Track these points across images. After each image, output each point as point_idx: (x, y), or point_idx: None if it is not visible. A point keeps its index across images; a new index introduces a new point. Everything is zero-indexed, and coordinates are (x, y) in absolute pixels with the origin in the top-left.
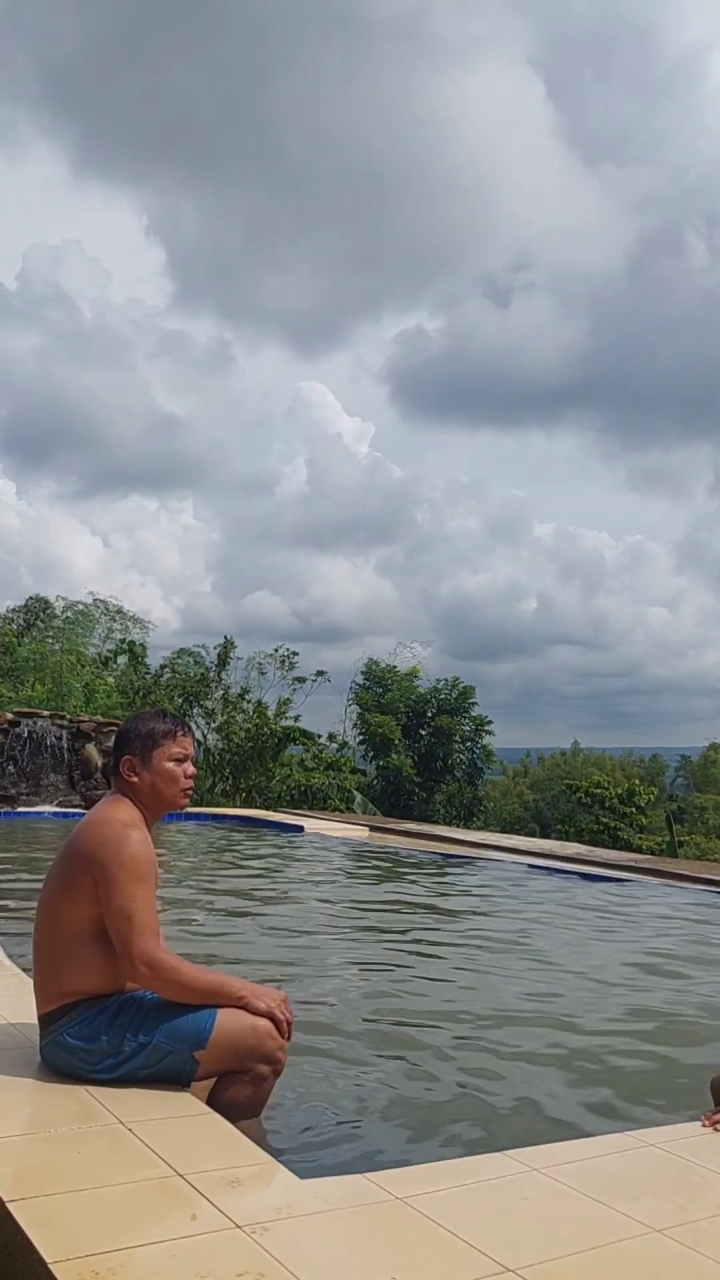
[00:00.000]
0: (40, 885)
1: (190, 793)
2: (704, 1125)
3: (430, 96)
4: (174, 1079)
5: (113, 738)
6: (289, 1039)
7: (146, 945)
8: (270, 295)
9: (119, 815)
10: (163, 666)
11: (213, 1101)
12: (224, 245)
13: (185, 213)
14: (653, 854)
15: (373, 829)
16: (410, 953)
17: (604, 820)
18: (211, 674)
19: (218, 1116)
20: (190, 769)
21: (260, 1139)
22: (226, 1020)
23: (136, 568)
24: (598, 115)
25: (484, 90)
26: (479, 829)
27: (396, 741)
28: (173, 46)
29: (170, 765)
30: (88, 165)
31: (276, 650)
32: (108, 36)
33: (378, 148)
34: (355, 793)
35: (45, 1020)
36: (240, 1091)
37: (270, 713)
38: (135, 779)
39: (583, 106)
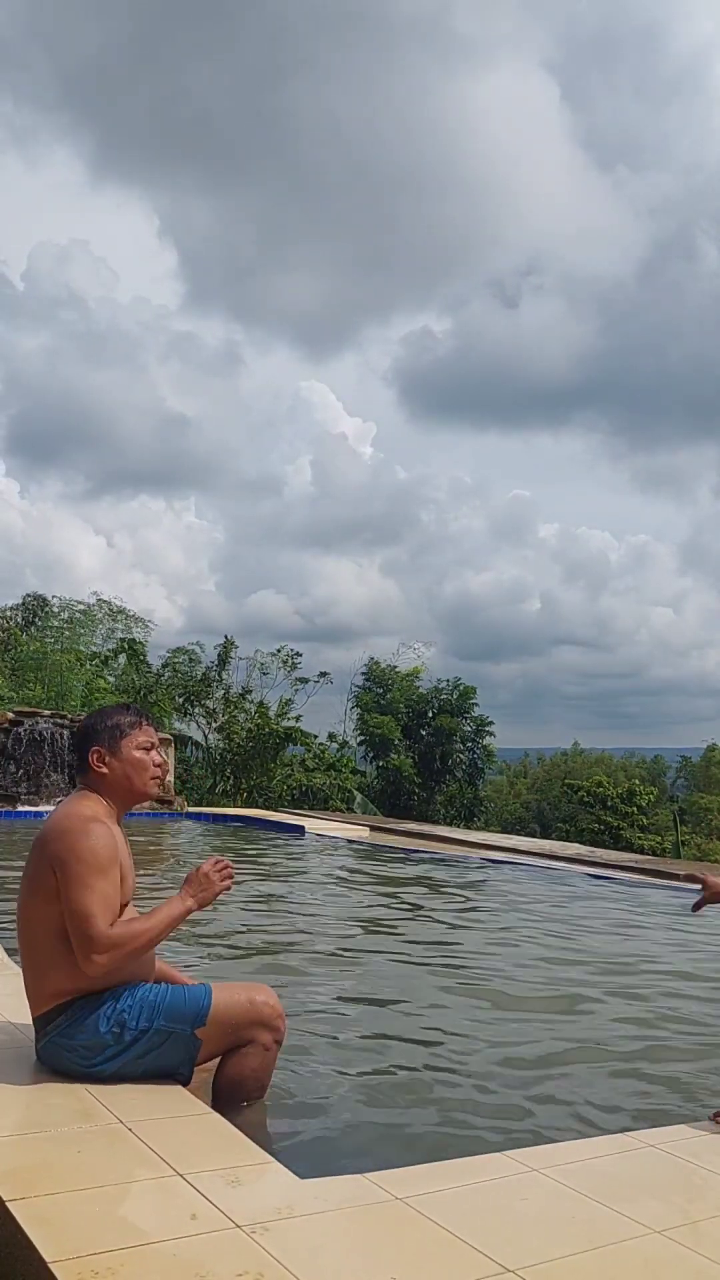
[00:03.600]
0: None
1: (160, 781)
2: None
3: (445, 98)
4: (178, 1063)
5: None
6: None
7: (99, 932)
8: (281, 296)
9: (80, 810)
10: (164, 666)
11: (220, 1078)
12: (237, 246)
13: (198, 214)
14: (654, 854)
15: (373, 829)
16: (411, 952)
17: (605, 820)
18: (211, 673)
19: (218, 1116)
20: (158, 757)
21: (260, 1139)
22: (223, 996)
23: (140, 567)
24: (611, 119)
25: (499, 92)
26: (480, 829)
27: (397, 742)
28: (190, 49)
29: (139, 754)
30: (105, 168)
31: (279, 650)
32: (126, 40)
33: (392, 149)
34: (355, 793)
35: (40, 1022)
36: (246, 1064)
37: (271, 713)
38: (105, 769)
39: (598, 110)
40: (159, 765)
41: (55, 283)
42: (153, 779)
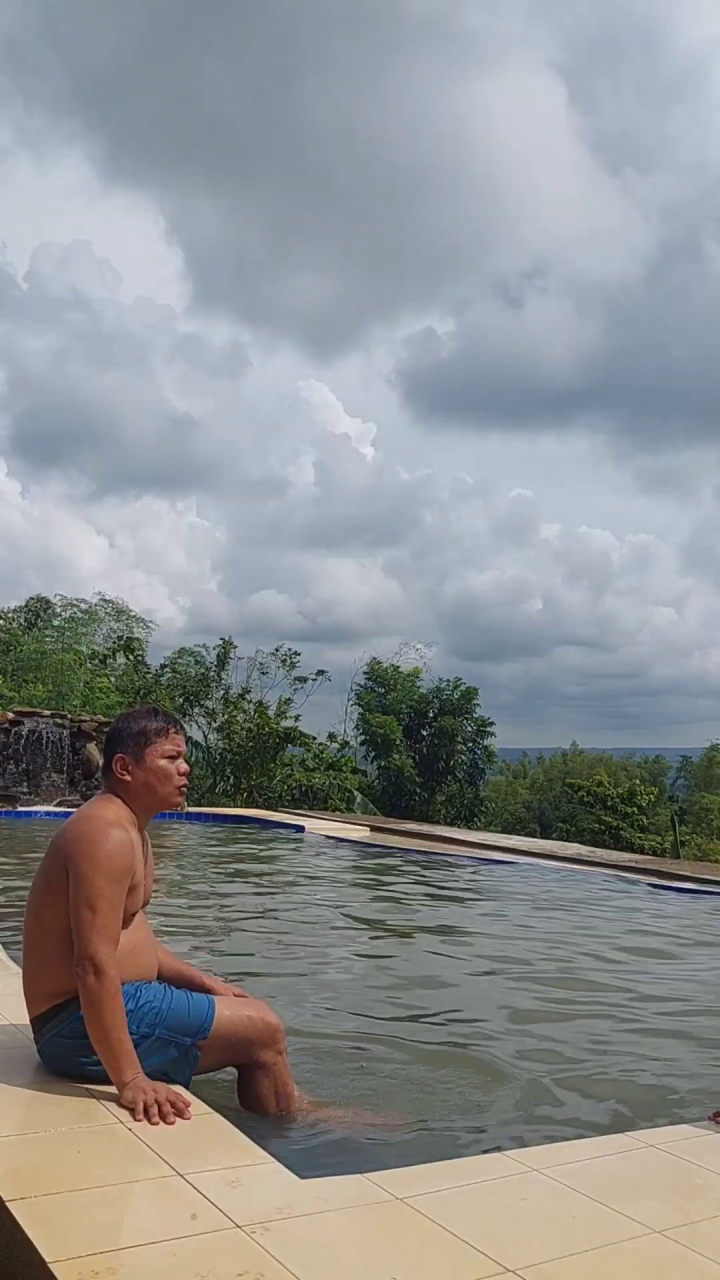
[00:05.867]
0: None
1: (185, 790)
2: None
3: (454, 99)
4: (175, 1071)
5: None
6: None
7: (102, 948)
8: (287, 297)
9: (103, 814)
10: (163, 666)
11: (244, 1106)
12: (243, 248)
13: (205, 216)
14: (654, 854)
15: (374, 829)
16: (410, 952)
17: (605, 820)
18: (212, 674)
19: (218, 1116)
20: (184, 766)
21: (260, 1139)
22: (225, 1011)
23: (142, 567)
24: (618, 120)
25: (507, 93)
26: (480, 829)
27: (398, 742)
28: (201, 51)
29: (164, 763)
30: (115, 171)
31: (278, 650)
32: (137, 43)
33: (400, 149)
34: (356, 793)
35: (39, 1021)
36: (261, 1087)
37: (271, 712)
38: (129, 778)
39: (605, 111)
40: (184, 774)
41: (60, 283)
42: (177, 789)
